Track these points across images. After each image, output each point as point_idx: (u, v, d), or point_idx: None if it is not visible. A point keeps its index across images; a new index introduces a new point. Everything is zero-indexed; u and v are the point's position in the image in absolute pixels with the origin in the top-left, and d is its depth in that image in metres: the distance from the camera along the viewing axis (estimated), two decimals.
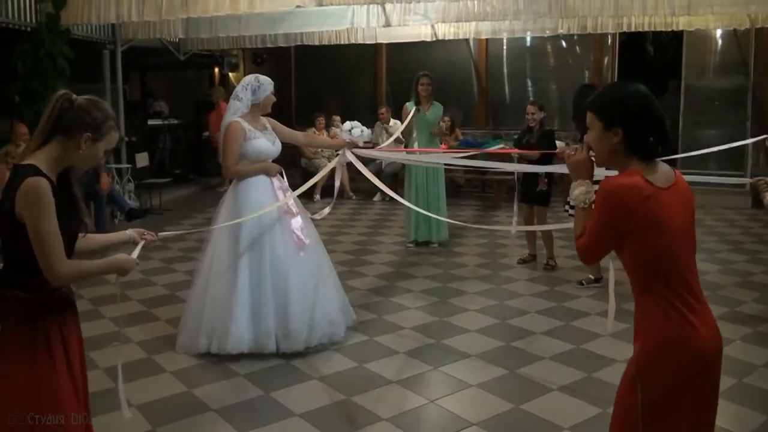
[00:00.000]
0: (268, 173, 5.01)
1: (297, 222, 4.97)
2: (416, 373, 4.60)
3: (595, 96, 2.43)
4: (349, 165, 5.56)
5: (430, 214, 6.64)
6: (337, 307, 5.21)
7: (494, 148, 9.68)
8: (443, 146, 8.96)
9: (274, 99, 5.10)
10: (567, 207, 6.64)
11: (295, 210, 5.01)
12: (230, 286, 4.81)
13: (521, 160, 7.08)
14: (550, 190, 7.10)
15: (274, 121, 5.25)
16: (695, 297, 2.34)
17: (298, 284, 4.87)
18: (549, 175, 6.83)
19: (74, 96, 2.52)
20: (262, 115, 5.12)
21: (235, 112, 4.96)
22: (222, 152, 4.95)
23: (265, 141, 4.99)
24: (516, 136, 7.81)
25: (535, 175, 6.78)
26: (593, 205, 2.38)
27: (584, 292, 6.29)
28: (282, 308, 4.82)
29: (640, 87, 2.38)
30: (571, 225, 2.55)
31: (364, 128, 5.47)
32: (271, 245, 4.88)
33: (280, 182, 5.06)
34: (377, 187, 11.79)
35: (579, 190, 2.42)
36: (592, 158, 2.47)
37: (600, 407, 3.98)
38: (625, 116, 2.32)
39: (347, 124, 5.51)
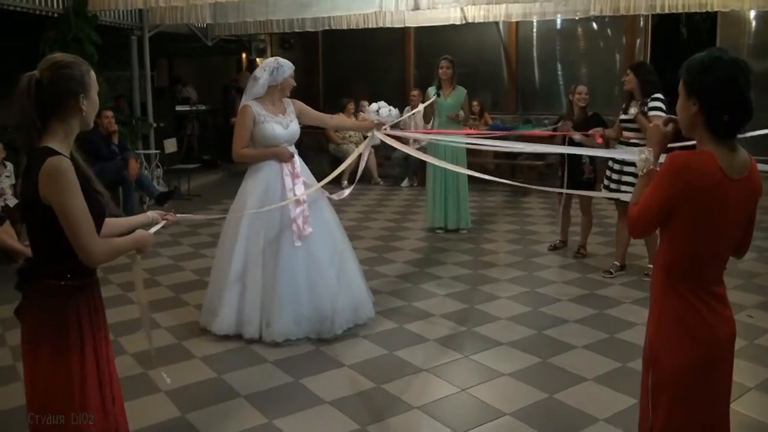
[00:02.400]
0: (279, 158, 4.95)
1: (299, 211, 4.85)
2: (447, 361, 4.54)
3: (686, 62, 2.30)
4: (376, 150, 5.51)
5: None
6: (360, 292, 5.18)
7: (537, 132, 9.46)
8: (468, 130, 8.78)
9: (293, 83, 5.03)
10: (602, 186, 6.51)
11: (302, 198, 4.88)
12: (224, 272, 4.93)
13: (563, 140, 6.82)
14: (595, 177, 6.88)
15: (301, 103, 5.20)
16: (717, 290, 2.31)
17: (290, 273, 4.81)
18: (592, 160, 6.70)
19: (36, 73, 2.38)
20: (289, 98, 5.10)
21: (252, 94, 4.97)
22: (233, 135, 4.98)
23: (276, 126, 4.92)
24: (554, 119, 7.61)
25: (579, 163, 6.66)
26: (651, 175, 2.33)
27: (617, 280, 6.18)
28: (269, 296, 4.82)
29: (727, 57, 2.21)
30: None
31: (392, 108, 5.37)
32: (266, 233, 4.87)
33: (291, 168, 4.96)
34: (405, 172, 11.70)
35: (641, 157, 2.35)
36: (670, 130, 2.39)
37: (635, 398, 3.88)
38: (701, 89, 2.20)
39: (374, 105, 5.41)
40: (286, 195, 4.85)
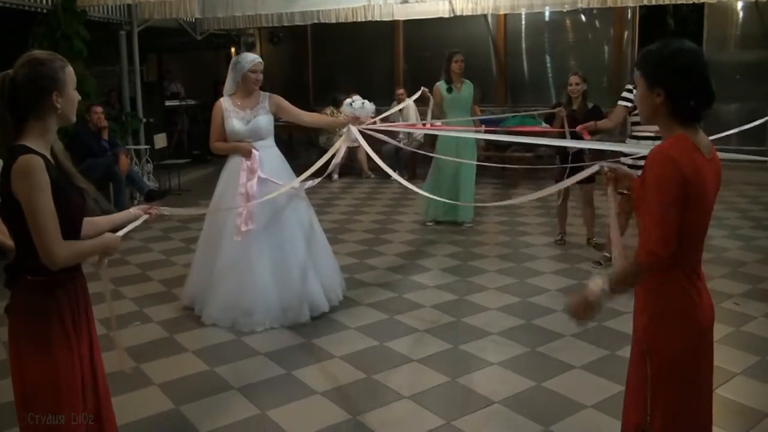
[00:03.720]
0: (240, 153, 5.09)
1: (246, 208, 4.92)
2: (437, 351, 4.58)
3: (642, 53, 2.34)
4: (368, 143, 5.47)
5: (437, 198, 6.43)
6: (296, 295, 5.10)
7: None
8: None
9: (254, 77, 5.07)
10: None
11: (252, 193, 4.95)
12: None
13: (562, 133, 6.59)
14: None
15: (280, 99, 5.28)
16: (701, 271, 2.37)
17: (224, 265, 5.02)
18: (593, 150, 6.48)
19: (9, 72, 2.38)
20: (268, 93, 5.23)
21: (226, 90, 5.19)
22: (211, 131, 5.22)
23: (236, 122, 5.06)
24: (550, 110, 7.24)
25: (580, 152, 6.44)
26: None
27: (605, 270, 6.23)
28: (207, 281, 5.14)
29: (687, 46, 2.25)
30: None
31: (366, 101, 5.29)
32: (219, 224, 5.11)
33: (250, 163, 5.03)
34: (395, 166, 11.63)
35: (596, 282, 2.31)
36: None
37: (623, 385, 3.92)
38: (666, 77, 2.23)
39: (348, 100, 5.37)
40: (237, 192, 5.01)
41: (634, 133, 5.98)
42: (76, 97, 2.50)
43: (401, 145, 5.86)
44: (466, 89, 7.86)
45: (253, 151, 5.06)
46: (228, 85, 5.18)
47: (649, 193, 2.18)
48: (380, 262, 6.72)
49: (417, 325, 5.04)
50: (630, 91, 5.91)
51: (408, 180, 5.39)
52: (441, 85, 7.78)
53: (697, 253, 2.33)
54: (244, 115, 5.08)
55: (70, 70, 2.46)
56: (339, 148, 5.42)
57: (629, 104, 5.93)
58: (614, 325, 4.88)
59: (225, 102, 5.12)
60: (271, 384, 4.15)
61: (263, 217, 5.01)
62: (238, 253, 4.98)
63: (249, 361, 4.50)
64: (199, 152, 13.14)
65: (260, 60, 5.13)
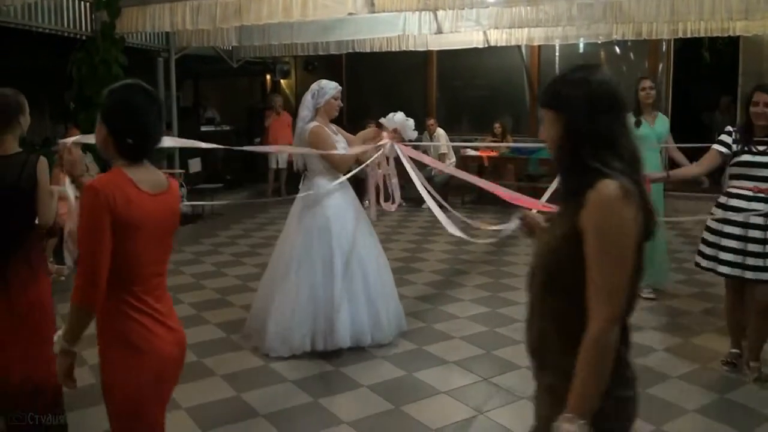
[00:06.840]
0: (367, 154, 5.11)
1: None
2: (466, 383, 4.54)
3: (107, 91, 2.44)
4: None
5: None
6: (388, 312, 5.21)
7: None
8: None
9: (337, 104, 5.08)
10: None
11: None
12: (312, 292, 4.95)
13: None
14: None
15: (340, 129, 5.29)
16: (160, 303, 2.42)
17: (313, 286, 4.94)
18: None
19: None
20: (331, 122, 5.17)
21: (304, 118, 5.04)
22: (323, 153, 4.95)
23: (344, 144, 5.09)
24: None
25: None
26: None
27: (639, 304, 6.10)
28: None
29: (131, 85, 2.43)
30: None
31: (409, 119, 5.21)
32: (353, 249, 5.05)
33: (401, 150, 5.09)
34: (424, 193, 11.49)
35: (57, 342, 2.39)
36: None
37: (654, 424, 3.87)
38: (107, 115, 2.38)
39: (390, 115, 5.21)
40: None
41: (728, 189, 4.63)
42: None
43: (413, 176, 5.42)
44: (661, 123, 6.43)
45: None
46: (306, 113, 5.04)
47: (82, 214, 2.32)
48: (410, 291, 6.68)
49: (447, 356, 4.99)
50: (729, 134, 4.66)
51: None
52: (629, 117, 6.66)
53: (145, 283, 2.37)
54: (341, 140, 5.10)
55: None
56: (375, 162, 5.32)
57: (726, 150, 4.62)
58: (646, 362, 4.79)
59: (324, 127, 5.02)
60: (297, 412, 4.14)
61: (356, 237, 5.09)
62: (322, 274, 4.94)
63: (276, 387, 4.49)
64: (233, 177, 13.26)
65: (340, 87, 5.11)
